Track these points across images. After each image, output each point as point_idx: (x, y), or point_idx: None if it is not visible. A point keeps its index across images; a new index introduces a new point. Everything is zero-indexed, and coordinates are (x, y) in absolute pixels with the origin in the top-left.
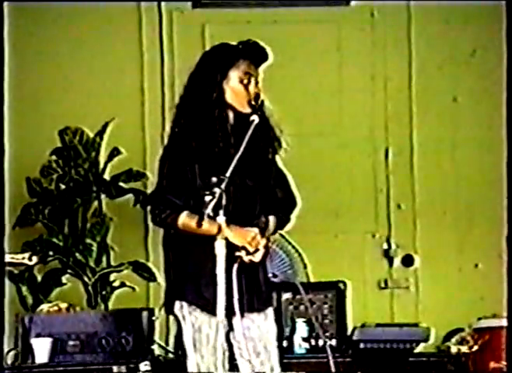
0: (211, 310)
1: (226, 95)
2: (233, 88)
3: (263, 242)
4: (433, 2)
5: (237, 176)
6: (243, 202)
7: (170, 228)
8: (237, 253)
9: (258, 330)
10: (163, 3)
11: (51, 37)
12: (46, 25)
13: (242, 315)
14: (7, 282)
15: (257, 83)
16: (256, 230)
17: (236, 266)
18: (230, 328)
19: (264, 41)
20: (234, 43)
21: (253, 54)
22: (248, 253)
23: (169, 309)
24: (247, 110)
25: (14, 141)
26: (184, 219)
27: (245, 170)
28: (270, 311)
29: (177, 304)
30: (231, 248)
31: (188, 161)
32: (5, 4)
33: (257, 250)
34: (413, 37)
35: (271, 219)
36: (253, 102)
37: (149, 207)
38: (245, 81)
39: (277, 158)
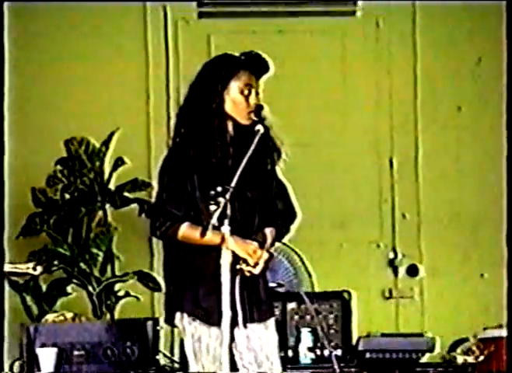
0: (210, 321)
1: (225, 106)
2: (234, 99)
3: (264, 255)
4: (438, 12)
5: (237, 187)
6: (242, 213)
7: (171, 240)
8: (238, 266)
9: (259, 340)
10: (168, 13)
11: (56, 46)
12: (50, 33)
13: (244, 326)
14: (12, 292)
15: (257, 94)
16: (256, 244)
17: (238, 278)
18: (232, 338)
19: (269, 51)
20: (236, 53)
21: (254, 65)
22: (248, 265)
23: (169, 320)
24: (247, 121)
25: (20, 151)
26: (185, 230)
27: (245, 181)
28: (271, 321)
29: (178, 314)
30: (235, 258)
31: (187, 171)
32: (5, 4)
33: (257, 263)
34: (418, 47)
35: (270, 232)
36: (255, 112)
37: (149, 220)
38: (245, 92)
39: (278, 169)
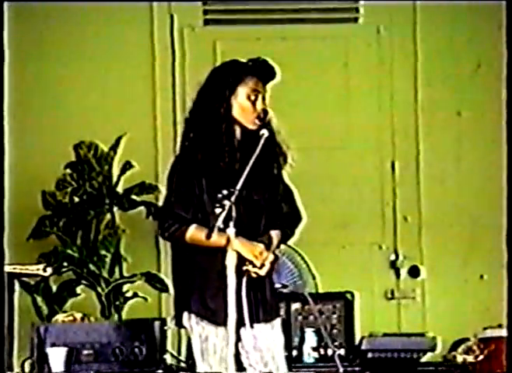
0: (217, 321)
1: (233, 111)
2: (241, 104)
3: (270, 257)
4: (439, 19)
5: (244, 190)
6: (249, 216)
7: (178, 242)
8: (245, 267)
9: (265, 340)
10: (175, 20)
11: (59, 51)
12: (53, 37)
13: (251, 326)
14: (23, 293)
15: (264, 100)
16: (262, 246)
17: (245, 279)
18: (238, 338)
19: (273, 57)
20: (244, 60)
21: (261, 71)
22: (255, 267)
23: (177, 321)
24: (254, 126)
25: (30, 155)
26: (193, 232)
27: (251, 185)
28: (277, 322)
29: (185, 315)
30: (241, 260)
31: (195, 175)
32: (5, 4)
33: (263, 265)
34: (418, 53)
35: (275, 234)
36: (261, 117)
37: (157, 222)
38: (252, 98)
39: (284, 172)
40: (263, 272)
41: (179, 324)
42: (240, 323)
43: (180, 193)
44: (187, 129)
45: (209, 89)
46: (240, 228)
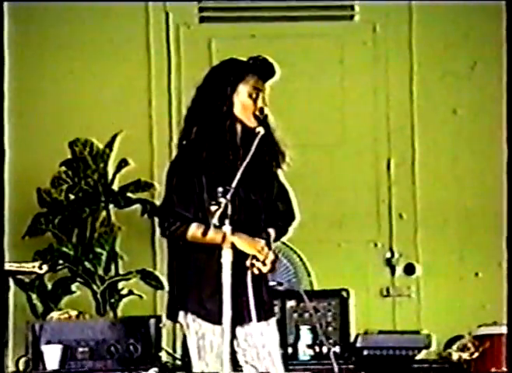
0: (213, 320)
1: (235, 109)
2: (242, 102)
3: (271, 256)
4: (435, 17)
5: (242, 188)
6: (248, 214)
7: (179, 240)
8: (248, 262)
9: (261, 336)
10: (170, 18)
11: (57, 48)
12: (51, 35)
13: (257, 321)
14: (18, 290)
15: (264, 98)
16: (263, 241)
17: (249, 274)
18: (233, 336)
19: (268, 55)
20: (243, 58)
21: (261, 69)
22: (258, 261)
23: (173, 317)
24: (254, 124)
25: (25, 153)
26: (194, 231)
27: (250, 183)
28: (272, 320)
29: (181, 312)
30: (237, 257)
31: (196, 173)
32: (5, 4)
33: (265, 263)
34: (414, 51)
35: (272, 232)
36: (257, 114)
37: (157, 220)
38: (253, 96)
39: (279, 171)
40: (266, 269)
41: (174, 319)
42: (235, 321)
43: (181, 191)
44: (187, 128)
45: (210, 88)
46: (240, 225)
